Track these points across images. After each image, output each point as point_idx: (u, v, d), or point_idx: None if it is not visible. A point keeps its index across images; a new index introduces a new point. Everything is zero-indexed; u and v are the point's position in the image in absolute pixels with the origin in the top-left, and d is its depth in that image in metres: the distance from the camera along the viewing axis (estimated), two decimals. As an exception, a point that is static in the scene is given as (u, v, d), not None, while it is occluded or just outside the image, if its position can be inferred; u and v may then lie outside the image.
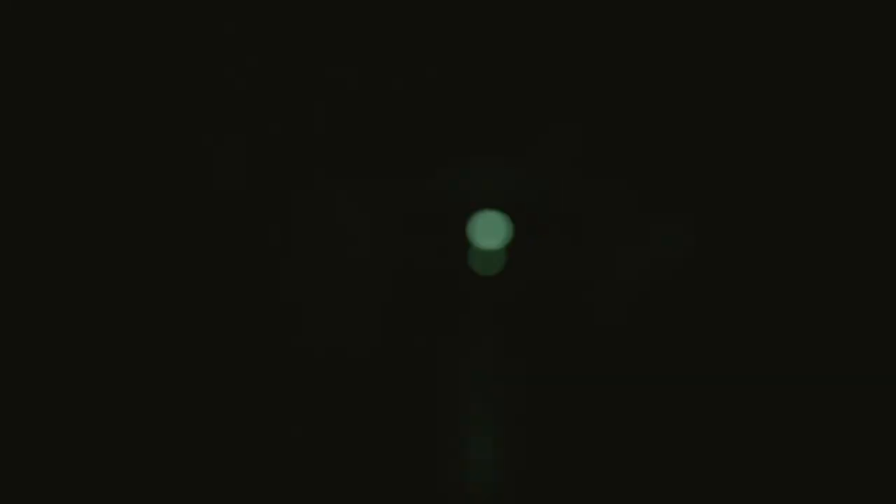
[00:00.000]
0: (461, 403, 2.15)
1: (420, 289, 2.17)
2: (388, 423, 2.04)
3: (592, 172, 2.10)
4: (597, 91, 2.25)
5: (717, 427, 2.02)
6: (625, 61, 2.22)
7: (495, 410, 2.17)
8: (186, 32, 1.93)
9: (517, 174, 2.26)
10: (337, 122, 2.16)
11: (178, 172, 1.91)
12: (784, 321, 2.05)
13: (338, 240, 2.15)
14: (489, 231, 2.24)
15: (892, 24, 1.98)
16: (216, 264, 1.96)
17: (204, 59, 1.97)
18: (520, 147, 2.20)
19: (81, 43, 1.80)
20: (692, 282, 2.14)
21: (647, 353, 2.14)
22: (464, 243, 2.22)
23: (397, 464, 2.02)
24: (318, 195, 2.13)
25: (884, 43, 1.99)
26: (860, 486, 1.87)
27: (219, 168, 1.98)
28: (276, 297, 2.03)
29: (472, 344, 2.18)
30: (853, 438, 1.91)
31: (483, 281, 2.20)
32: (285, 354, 2.01)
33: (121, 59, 1.85)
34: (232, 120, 2.02)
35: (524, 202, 2.25)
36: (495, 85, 2.27)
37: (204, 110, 1.99)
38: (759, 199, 2.14)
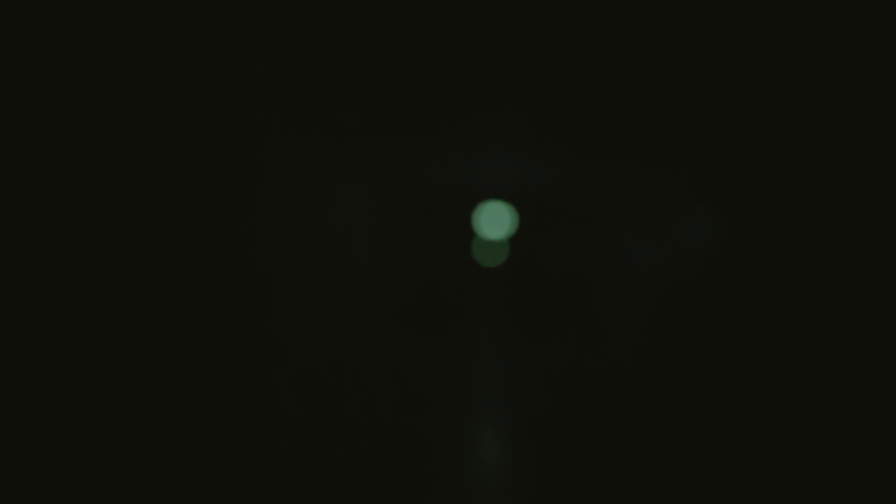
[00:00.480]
0: (463, 395, 2.14)
1: (423, 280, 2.16)
2: (390, 417, 2.04)
3: (600, 161, 2.07)
4: (606, 79, 2.20)
5: (732, 427, 1.98)
6: (637, 48, 2.18)
7: (499, 403, 2.15)
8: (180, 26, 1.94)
9: (522, 163, 2.24)
10: (339, 112, 2.16)
11: (174, 171, 1.92)
12: (808, 320, 1.99)
13: (341, 231, 2.14)
14: (493, 222, 2.21)
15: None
16: (220, 259, 1.97)
17: (204, 58, 1.98)
18: (525, 136, 2.17)
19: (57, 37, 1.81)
20: (702, 275, 2.10)
21: (656, 348, 2.10)
22: (467, 234, 2.20)
23: (400, 460, 2.02)
24: (320, 187, 2.13)
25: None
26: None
27: (220, 167, 1.99)
28: (277, 291, 2.04)
29: (475, 336, 2.17)
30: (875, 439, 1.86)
31: (486, 272, 2.18)
32: (287, 348, 2.02)
33: (114, 54, 1.86)
34: (231, 118, 2.02)
35: (529, 192, 2.22)
36: (501, 75, 2.24)
37: (204, 110, 2.00)
38: (780, 188, 2.07)
